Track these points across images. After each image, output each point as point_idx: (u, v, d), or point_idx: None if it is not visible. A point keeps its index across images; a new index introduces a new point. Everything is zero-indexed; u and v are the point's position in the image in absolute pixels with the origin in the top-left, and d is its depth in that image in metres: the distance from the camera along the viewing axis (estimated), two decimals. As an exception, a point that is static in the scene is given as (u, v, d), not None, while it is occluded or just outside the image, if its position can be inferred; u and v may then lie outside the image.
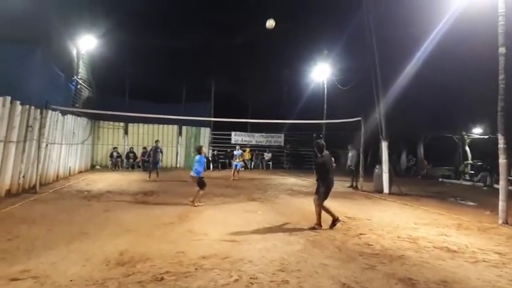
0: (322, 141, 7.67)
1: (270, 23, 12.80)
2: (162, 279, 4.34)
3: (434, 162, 23.16)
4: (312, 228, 7.13)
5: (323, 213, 7.29)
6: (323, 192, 7.29)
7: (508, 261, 5.46)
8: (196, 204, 9.42)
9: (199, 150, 10.12)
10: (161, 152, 16.39)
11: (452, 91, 17.97)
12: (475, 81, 15.67)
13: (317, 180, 7.47)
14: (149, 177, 15.44)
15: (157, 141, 16.58)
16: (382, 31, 14.03)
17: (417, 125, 21.46)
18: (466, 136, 23.51)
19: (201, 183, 9.68)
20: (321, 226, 7.20)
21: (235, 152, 18.18)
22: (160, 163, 16.32)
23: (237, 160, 17.73)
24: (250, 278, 4.46)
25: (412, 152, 24.77)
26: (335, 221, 7.27)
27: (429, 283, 4.46)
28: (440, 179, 20.24)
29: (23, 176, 10.76)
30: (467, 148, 23.37)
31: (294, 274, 4.64)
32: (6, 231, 6.31)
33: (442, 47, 14.57)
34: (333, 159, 7.68)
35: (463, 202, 11.94)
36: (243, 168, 22.86)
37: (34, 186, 10.98)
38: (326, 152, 7.52)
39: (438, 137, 23.50)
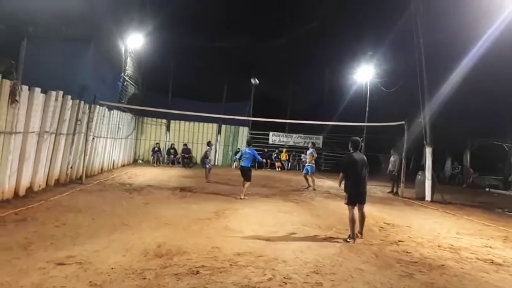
0: (358, 138, 7.04)
1: (255, 81, 13.70)
2: (198, 272, 4.44)
3: (480, 171, 22.03)
4: (345, 240, 6.53)
5: (366, 222, 6.81)
6: (348, 197, 6.71)
7: (560, 278, 5.12)
8: (242, 197, 10.40)
9: (249, 143, 11.43)
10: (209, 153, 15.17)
11: (502, 97, 17.03)
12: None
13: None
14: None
15: (209, 142, 15.77)
16: (430, 33, 13.53)
17: (464, 131, 20.50)
18: (517, 144, 22.19)
19: (247, 175, 10.75)
20: (354, 239, 6.49)
21: (310, 151, 14.22)
22: (209, 164, 14.99)
23: (308, 162, 13.99)
24: (284, 277, 4.46)
25: (457, 160, 23.70)
26: (351, 236, 6.54)
27: (470, 296, 4.28)
28: (487, 189, 19.22)
29: (71, 167, 11.34)
30: (517, 157, 22.05)
31: (328, 277, 4.60)
32: (55, 218, 6.69)
33: (493, 51, 13.82)
34: (367, 168, 6.85)
35: (511, 214, 11.30)
36: (279, 169, 22.89)
37: (81, 177, 11.54)
38: (360, 154, 6.91)
39: (486, 145, 22.32)
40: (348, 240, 6.48)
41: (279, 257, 5.23)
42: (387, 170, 15.15)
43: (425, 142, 13.37)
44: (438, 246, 6.57)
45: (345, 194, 6.78)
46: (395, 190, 14.29)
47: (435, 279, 4.76)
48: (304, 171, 14.25)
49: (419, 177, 13.55)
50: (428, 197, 12.74)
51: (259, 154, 23.83)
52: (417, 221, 8.96)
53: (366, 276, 4.73)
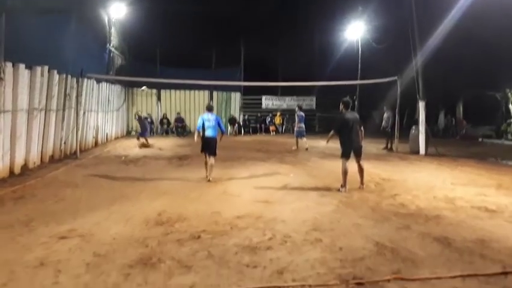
0: (348, 99, 7.56)
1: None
2: (199, 237, 4.51)
3: (474, 122, 22.16)
4: (338, 190, 7.13)
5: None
6: (342, 152, 7.25)
7: (551, 221, 5.27)
8: (210, 179, 8.11)
9: (210, 108, 8.75)
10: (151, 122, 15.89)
11: (496, 46, 16.82)
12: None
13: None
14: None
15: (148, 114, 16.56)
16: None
17: (456, 83, 20.42)
18: (510, 94, 22.22)
19: (213, 148, 8.28)
20: (345, 187, 7.09)
21: (300, 113, 14.38)
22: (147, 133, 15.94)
23: (301, 125, 14.20)
24: (284, 236, 4.55)
25: (451, 112, 23.77)
26: (342, 186, 7.12)
27: (465, 242, 4.40)
28: (480, 139, 19.44)
29: (64, 143, 11.27)
30: (510, 106, 22.14)
31: (327, 233, 4.70)
32: (53, 194, 6.71)
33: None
34: (361, 126, 7.40)
35: (504, 162, 11.48)
36: (273, 133, 22.91)
37: (75, 152, 11.49)
38: (352, 112, 7.49)
39: (479, 96, 22.33)
40: (340, 189, 7.08)
41: (278, 218, 5.31)
42: (380, 127, 15.20)
43: (418, 96, 13.34)
44: (434, 197, 6.69)
45: (340, 149, 7.31)
46: (389, 146, 14.39)
47: (432, 229, 4.89)
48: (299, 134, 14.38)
49: (413, 131, 13.63)
50: (422, 150, 12.86)
51: (252, 119, 23.99)
52: (412, 174, 9.09)
53: (364, 230, 4.84)
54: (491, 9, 14.35)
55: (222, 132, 8.48)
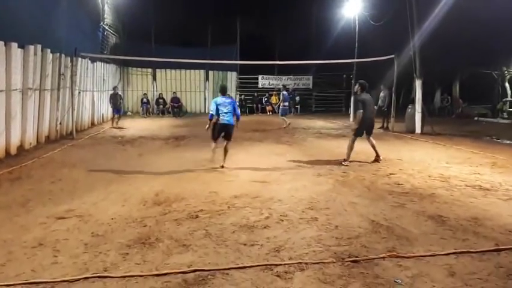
0: (365, 82, 8.02)
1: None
2: (197, 216, 4.55)
3: (470, 101, 22.17)
4: (340, 163, 7.66)
5: (370, 151, 8.03)
6: (357, 130, 7.75)
7: (544, 198, 5.35)
8: (224, 165, 7.42)
9: (224, 90, 7.70)
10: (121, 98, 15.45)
11: (494, 24, 16.64)
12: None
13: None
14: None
15: (115, 87, 15.86)
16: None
17: (453, 61, 20.28)
18: (506, 72, 22.16)
19: (230, 134, 7.58)
20: (348, 161, 7.71)
21: (284, 93, 14.96)
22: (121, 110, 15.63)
23: (285, 104, 14.84)
24: (281, 215, 4.60)
25: (447, 91, 23.72)
26: (345, 160, 7.76)
27: (459, 220, 4.47)
28: (476, 118, 19.49)
29: (60, 123, 11.19)
30: (507, 85, 22.12)
31: (323, 212, 4.75)
32: (50, 174, 6.71)
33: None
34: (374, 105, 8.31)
35: (498, 140, 11.56)
36: (270, 113, 22.85)
37: (71, 133, 11.45)
38: (367, 94, 7.95)
39: (475, 74, 22.25)
40: (343, 163, 7.65)
41: (275, 197, 5.36)
42: (377, 106, 15.17)
43: (415, 75, 13.29)
44: (429, 176, 6.76)
45: (354, 126, 7.88)
46: (385, 125, 14.42)
47: (426, 207, 4.95)
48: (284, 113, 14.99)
49: (409, 110, 13.65)
50: (418, 129, 12.92)
51: (249, 99, 23.83)
52: (408, 153, 9.15)
53: (359, 209, 4.89)
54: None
55: (238, 118, 7.49)
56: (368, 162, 7.88)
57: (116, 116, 15.04)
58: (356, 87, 8.08)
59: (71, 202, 5.10)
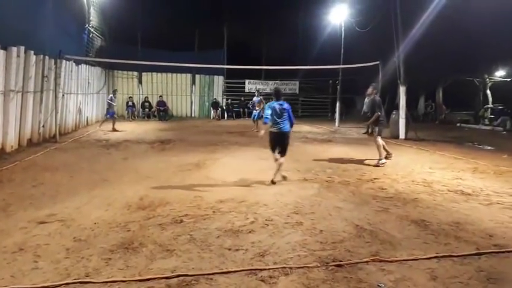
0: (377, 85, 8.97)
1: None
2: (181, 221, 4.52)
3: (453, 107, 22.60)
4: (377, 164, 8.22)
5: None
6: (379, 130, 8.48)
7: (523, 203, 5.47)
8: (285, 176, 6.77)
9: (278, 94, 6.85)
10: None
11: (476, 32, 17.04)
12: (503, 22, 14.77)
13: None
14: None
15: (115, 90, 16.37)
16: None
17: (437, 68, 20.67)
18: (488, 79, 22.66)
19: (286, 145, 6.77)
20: (391, 154, 8.77)
21: (254, 99, 15.98)
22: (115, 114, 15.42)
23: (257, 108, 15.31)
24: (266, 220, 4.60)
25: (431, 97, 24.12)
26: (387, 155, 8.59)
27: (442, 224, 4.54)
28: (458, 124, 19.87)
29: (43, 126, 11.00)
30: (488, 92, 22.60)
31: (308, 216, 4.76)
32: (32, 178, 6.58)
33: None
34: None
35: (480, 146, 11.80)
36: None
37: (54, 136, 11.25)
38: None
39: (458, 81, 22.70)
40: (379, 162, 8.26)
41: (260, 201, 5.35)
42: (361, 111, 15.32)
43: (399, 81, 13.49)
44: (412, 181, 6.85)
45: (376, 129, 8.54)
46: (370, 130, 14.53)
47: (410, 212, 5.01)
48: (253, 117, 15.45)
49: (393, 116, 13.82)
50: (402, 135, 13.09)
51: (235, 103, 23.79)
52: (392, 158, 9.25)
53: (344, 213, 4.93)
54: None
55: (291, 125, 6.72)
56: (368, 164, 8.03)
57: (113, 118, 14.91)
58: (371, 90, 8.63)
59: (53, 206, 5.00)
